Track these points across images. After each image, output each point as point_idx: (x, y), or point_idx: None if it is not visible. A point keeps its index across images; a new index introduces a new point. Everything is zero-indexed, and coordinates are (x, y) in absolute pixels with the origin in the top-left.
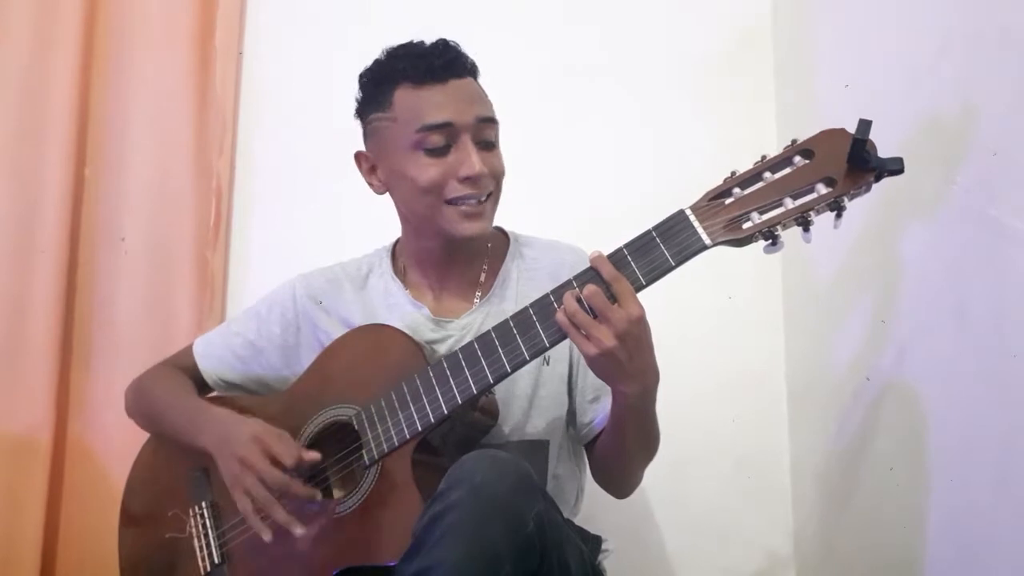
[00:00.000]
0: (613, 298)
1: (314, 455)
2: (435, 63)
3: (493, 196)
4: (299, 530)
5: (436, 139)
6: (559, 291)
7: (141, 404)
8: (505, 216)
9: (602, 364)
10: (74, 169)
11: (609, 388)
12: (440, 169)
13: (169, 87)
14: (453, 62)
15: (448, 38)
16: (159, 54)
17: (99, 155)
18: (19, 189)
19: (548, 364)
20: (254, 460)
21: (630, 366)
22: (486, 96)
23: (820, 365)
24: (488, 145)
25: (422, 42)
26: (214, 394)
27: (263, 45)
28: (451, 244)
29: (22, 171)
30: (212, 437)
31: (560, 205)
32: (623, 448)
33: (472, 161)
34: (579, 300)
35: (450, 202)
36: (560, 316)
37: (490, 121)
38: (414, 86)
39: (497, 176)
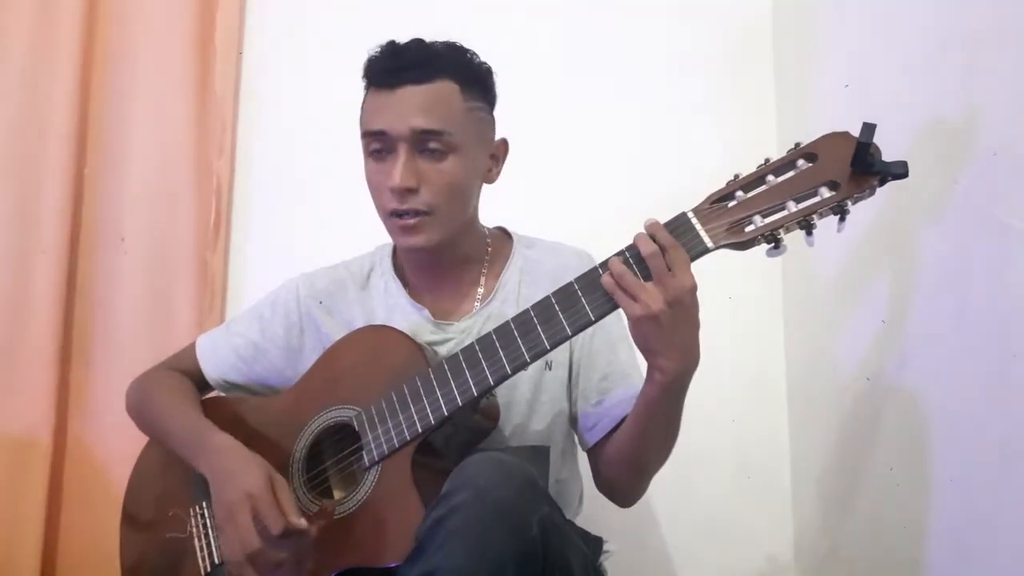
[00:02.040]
0: (667, 265)
1: (301, 523)
2: (389, 67)
3: (435, 210)
4: None
5: (375, 145)
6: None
7: (142, 411)
8: (505, 216)
9: (645, 330)
10: (74, 169)
11: (613, 391)
12: (379, 177)
13: (169, 87)
14: (408, 67)
15: (424, 38)
16: (159, 54)
17: (99, 155)
18: (19, 189)
19: (550, 369)
20: (240, 519)
21: (675, 337)
22: (445, 104)
23: (820, 365)
24: (434, 155)
25: (392, 43)
26: (215, 393)
27: (263, 45)
28: (426, 251)
29: (22, 171)
30: (210, 466)
31: (558, 206)
32: (646, 441)
33: (392, 173)
34: (626, 262)
35: (389, 212)
36: (607, 278)
37: (431, 133)
38: (372, 89)
39: (435, 189)
